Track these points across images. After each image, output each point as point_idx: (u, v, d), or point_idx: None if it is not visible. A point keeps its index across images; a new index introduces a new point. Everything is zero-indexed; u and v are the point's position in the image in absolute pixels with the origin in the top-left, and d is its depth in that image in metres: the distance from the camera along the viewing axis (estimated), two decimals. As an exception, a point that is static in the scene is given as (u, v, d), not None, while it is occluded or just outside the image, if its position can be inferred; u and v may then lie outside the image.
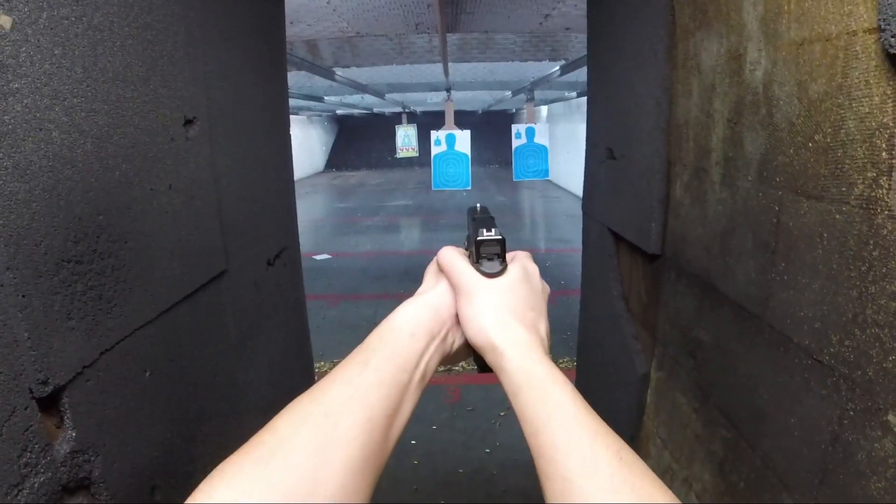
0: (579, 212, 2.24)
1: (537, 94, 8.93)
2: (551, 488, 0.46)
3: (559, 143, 14.09)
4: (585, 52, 2.09)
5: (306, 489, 0.42)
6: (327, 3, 3.04)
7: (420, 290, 0.62)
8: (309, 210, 12.51)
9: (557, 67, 5.89)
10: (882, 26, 0.63)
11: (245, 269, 1.38)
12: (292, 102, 8.79)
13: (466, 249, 0.65)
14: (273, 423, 0.47)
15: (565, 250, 7.92)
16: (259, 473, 0.42)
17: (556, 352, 4.23)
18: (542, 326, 0.59)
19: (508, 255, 0.63)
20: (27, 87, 0.64)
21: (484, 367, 0.59)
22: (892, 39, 0.61)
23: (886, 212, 0.65)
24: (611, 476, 0.44)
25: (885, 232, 0.66)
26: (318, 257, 8.06)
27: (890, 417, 0.65)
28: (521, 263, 0.62)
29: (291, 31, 3.57)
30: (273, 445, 0.44)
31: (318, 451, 0.44)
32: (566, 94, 10.37)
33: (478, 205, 0.72)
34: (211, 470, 0.43)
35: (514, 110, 19.58)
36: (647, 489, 0.44)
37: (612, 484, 0.43)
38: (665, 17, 1.29)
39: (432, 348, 0.56)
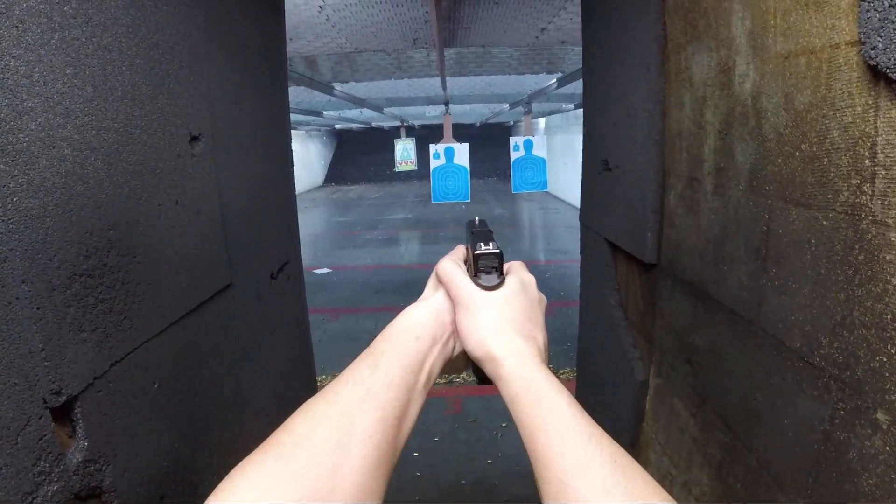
0: (578, 223, 2.26)
1: (535, 106, 8.99)
2: (547, 490, 0.47)
3: (557, 154, 14.14)
4: (581, 65, 2.12)
5: (327, 487, 0.43)
6: (326, 19, 3.09)
7: (421, 297, 0.64)
8: (308, 224, 12.51)
9: (554, 80, 5.95)
10: (862, 39, 0.65)
11: (249, 283, 1.40)
12: (291, 117, 8.83)
13: (467, 246, 0.66)
14: (289, 422, 0.48)
15: (565, 261, 7.93)
16: (280, 471, 0.42)
17: (557, 362, 4.25)
18: (540, 336, 0.60)
19: (504, 267, 0.64)
20: (40, 106, 0.67)
21: (483, 378, 0.60)
22: (872, 51, 0.64)
23: (870, 217, 0.68)
24: (604, 477, 0.45)
25: (869, 237, 0.68)
26: (319, 271, 8.07)
27: (879, 415, 0.67)
28: (517, 275, 0.63)
29: (291, 48, 3.61)
30: (292, 444, 0.45)
31: (336, 448, 0.45)
32: (563, 105, 10.44)
33: (476, 218, 0.74)
34: (217, 478, 0.44)
35: (511, 123, 19.66)
36: (640, 491, 0.44)
37: (605, 485, 0.44)
38: (657, 32, 1.32)
39: (436, 351, 0.57)
